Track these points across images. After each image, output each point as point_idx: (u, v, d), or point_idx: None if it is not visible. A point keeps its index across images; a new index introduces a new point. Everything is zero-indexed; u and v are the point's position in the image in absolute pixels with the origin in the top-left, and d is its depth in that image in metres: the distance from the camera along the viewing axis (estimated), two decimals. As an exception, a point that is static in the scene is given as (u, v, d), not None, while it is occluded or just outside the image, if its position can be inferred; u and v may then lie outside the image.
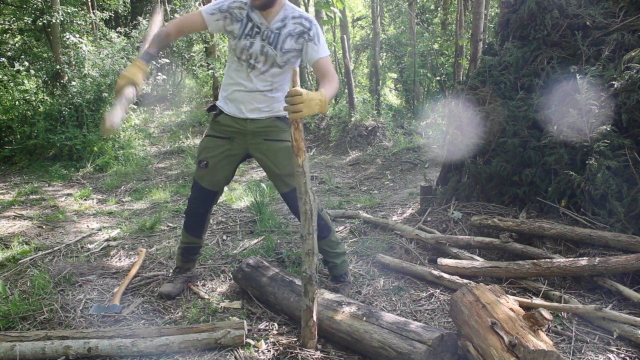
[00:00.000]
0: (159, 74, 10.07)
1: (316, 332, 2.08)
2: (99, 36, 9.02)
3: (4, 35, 9.71)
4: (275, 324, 2.33)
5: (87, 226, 4.12)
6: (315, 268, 2.04)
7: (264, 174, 6.22)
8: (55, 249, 3.45)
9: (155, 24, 2.41)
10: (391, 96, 14.06)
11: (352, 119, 8.31)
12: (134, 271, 2.93)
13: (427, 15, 13.03)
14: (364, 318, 2.07)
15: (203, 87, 13.00)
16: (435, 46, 11.39)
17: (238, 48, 2.30)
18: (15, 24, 9.26)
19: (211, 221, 4.17)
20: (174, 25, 2.32)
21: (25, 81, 7.42)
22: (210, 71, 11.78)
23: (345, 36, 9.26)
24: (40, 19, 7.75)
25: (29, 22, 8.83)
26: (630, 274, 2.46)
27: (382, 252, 3.17)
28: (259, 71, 2.33)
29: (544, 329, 2.05)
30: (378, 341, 1.96)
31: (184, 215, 2.80)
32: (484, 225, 3.05)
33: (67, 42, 7.52)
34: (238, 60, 2.34)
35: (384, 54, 13.42)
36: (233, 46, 2.33)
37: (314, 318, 2.05)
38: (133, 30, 8.40)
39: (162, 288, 2.68)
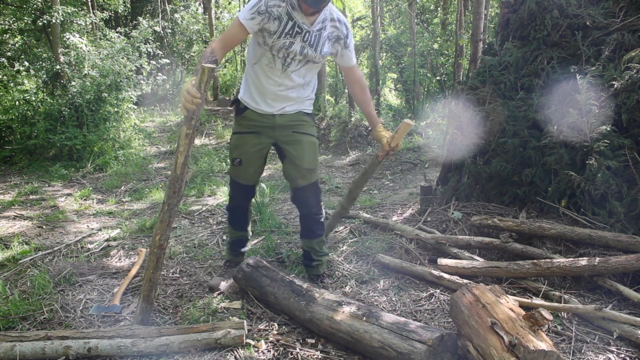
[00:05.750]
0: (159, 74, 10.06)
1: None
2: (99, 36, 9.00)
3: (4, 35, 9.69)
4: (275, 324, 2.33)
5: (87, 226, 4.12)
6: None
7: (265, 173, 6.22)
8: (55, 249, 3.45)
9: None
10: (391, 96, 14.06)
11: (352, 119, 8.32)
12: (134, 271, 2.93)
13: (427, 15, 13.03)
14: (364, 318, 2.07)
15: (203, 87, 12.98)
16: (435, 46, 11.39)
17: (276, 46, 2.27)
18: (15, 24, 9.25)
19: (211, 221, 4.18)
20: (217, 44, 2.23)
21: (25, 81, 7.41)
22: (210, 71, 11.75)
23: (345, 36, 9.24)
24: (40, 19, 7.74)
25: (29, 22, 8.82)
26: (630, 274, 2.46)
27: (382, 252, 3.17)
28: (294, 67, 2.35)
29: (544, 329, 2.05)
30: (378, 341, 1.96)
31: (226, 211, 2.95)
32: (484, 225, 3.06)
33: (67, 42, 7.51)
34: (273, 56, 2.32)
35: (384, 54, 13.41)
36: (269, 43, 2.27)
37: None
38: (133, 30, 8.39)
39: (212, 281, 2.76)
